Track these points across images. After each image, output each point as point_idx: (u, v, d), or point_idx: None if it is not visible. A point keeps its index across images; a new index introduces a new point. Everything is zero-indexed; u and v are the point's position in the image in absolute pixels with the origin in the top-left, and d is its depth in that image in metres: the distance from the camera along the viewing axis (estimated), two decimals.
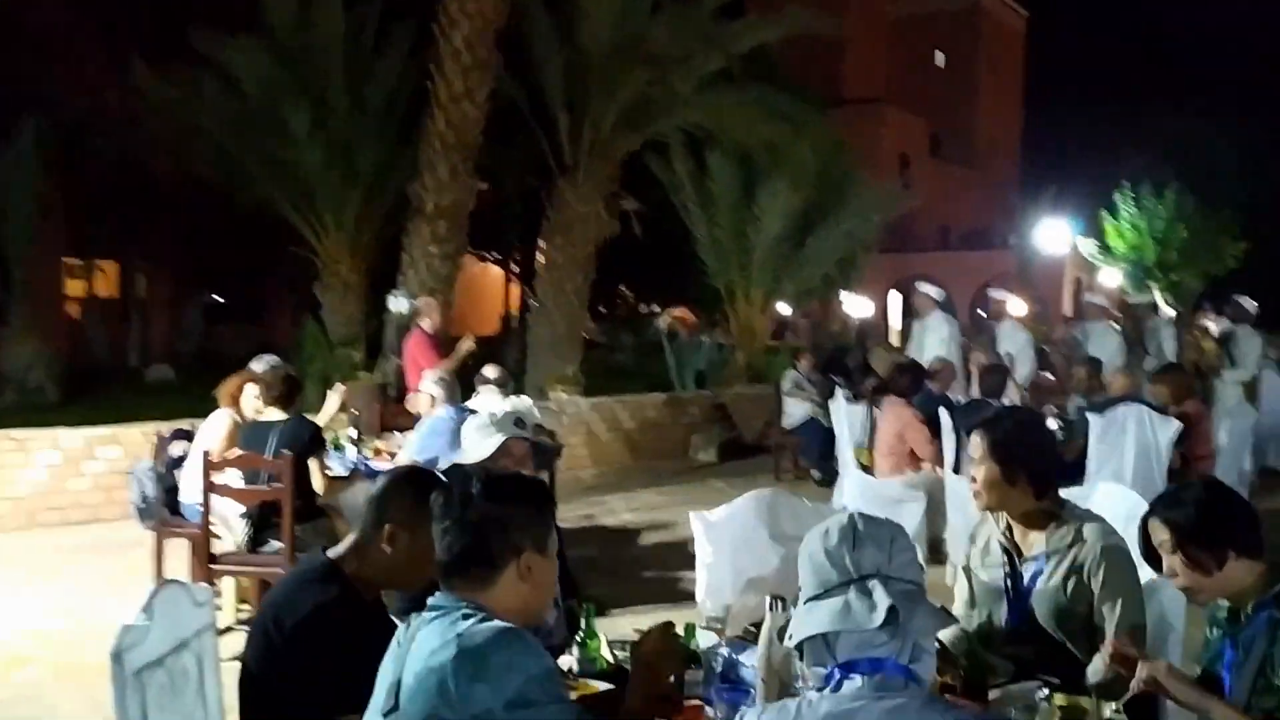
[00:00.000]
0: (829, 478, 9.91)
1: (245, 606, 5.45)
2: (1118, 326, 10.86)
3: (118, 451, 8.17)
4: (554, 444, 6.75)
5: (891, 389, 6.99)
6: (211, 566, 4.94)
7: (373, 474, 5.60)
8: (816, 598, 1.62)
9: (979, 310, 26.31)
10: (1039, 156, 48.58)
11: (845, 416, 6.99)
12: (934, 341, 9.37)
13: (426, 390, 5.68)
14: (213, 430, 5.61)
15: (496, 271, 25.51)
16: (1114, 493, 3.28)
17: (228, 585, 5.24)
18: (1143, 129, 35.40)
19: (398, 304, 10.20)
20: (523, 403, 6.45)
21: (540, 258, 14.79)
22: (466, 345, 8.48)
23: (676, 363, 13.42)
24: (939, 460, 6.87)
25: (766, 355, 14.24)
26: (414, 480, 2.41)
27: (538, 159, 14.01)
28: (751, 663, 2.38)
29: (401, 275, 12.20)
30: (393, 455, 6.03)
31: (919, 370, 7.21)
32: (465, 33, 11.76)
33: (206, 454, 4.93)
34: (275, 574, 4.92)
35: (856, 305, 19.35)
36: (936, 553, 6.79)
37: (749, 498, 3.48)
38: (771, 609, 2.28)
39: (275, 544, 4.98)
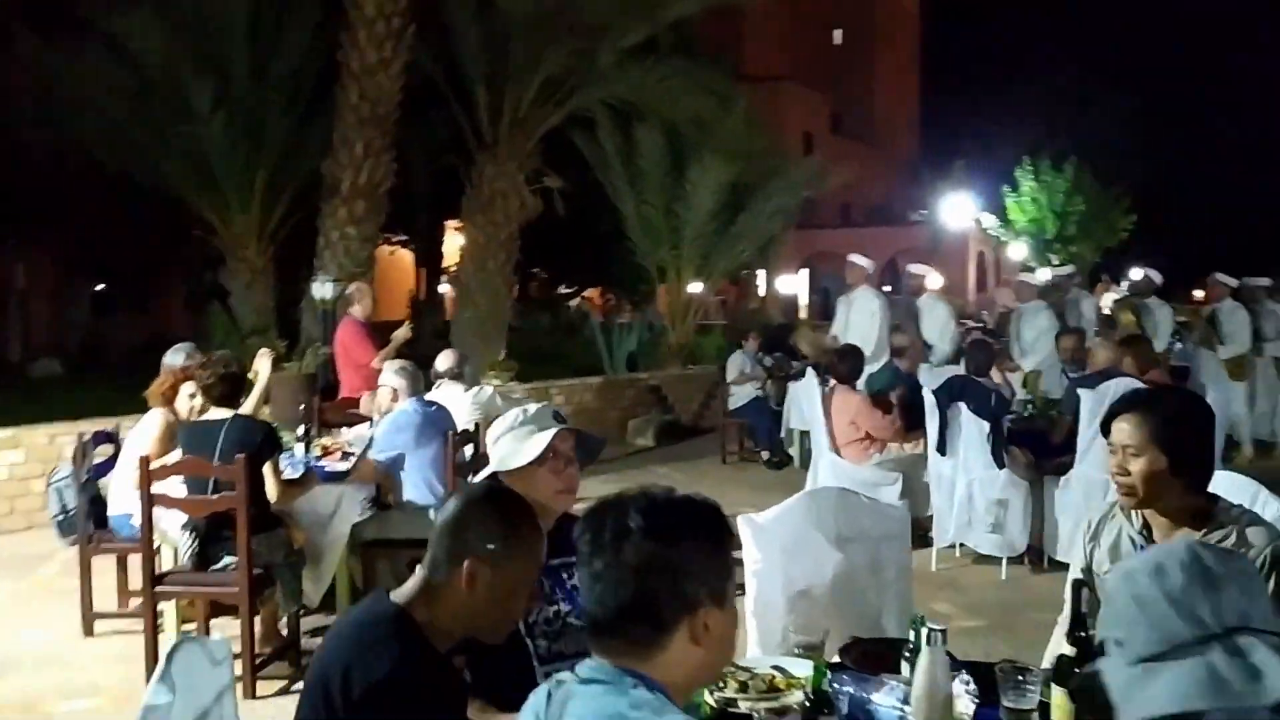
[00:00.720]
0: (779, 460, 9.69)
1: (190, 629, 4.90)
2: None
3: (19, 456, 7.42)
4: (599, 435, 6.27)
5: (833, 375, 6.71)
6: (157, 589, 4.37)
7: (328, 476, 5.09)
8: (1155, 658, 1.19)
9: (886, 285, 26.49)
10: (937, 133, 49.37)
11: (813, 397, 6.70)
12: (863, 316, 9.05)
13: (387, 382, 5.16)
14: (146, 433, 5.02)
15: (405, 255, 24.68)
16: (1233, 481, 3.00)
17: (168, 607, 4.68)
18: (1038, 105, 36.17)
19: (322, 289, 9.57)
20: (484, 393, 6.00)
21: (460, 238, 14.22)
22: (402, 333, 7.94)
23: (607, 345, 13.02)
24: (901, 437, 6.64)
25: (698, 336, 13.92)
26: (496, 501, 1.97)
27: (455, 135, 13.43)
28: (889, 703, 2.02)
29: (318, 259, 11.53)
30: (346, 454, 5.50)
31: (858, 354, 6.94)
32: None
33: (145, 460, 4.35)
34: (231, 594, 4.40)
35: (787, 283, 19.15)
36: (921, 537, 6.58)
37: (801, 497, 3.10)
38: (930, 642, 1.91)
39: (227, 559, 4.43)
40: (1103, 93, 35.57)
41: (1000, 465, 5.74)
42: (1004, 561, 5.90)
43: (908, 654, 2.18)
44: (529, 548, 1.96)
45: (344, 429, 6.30)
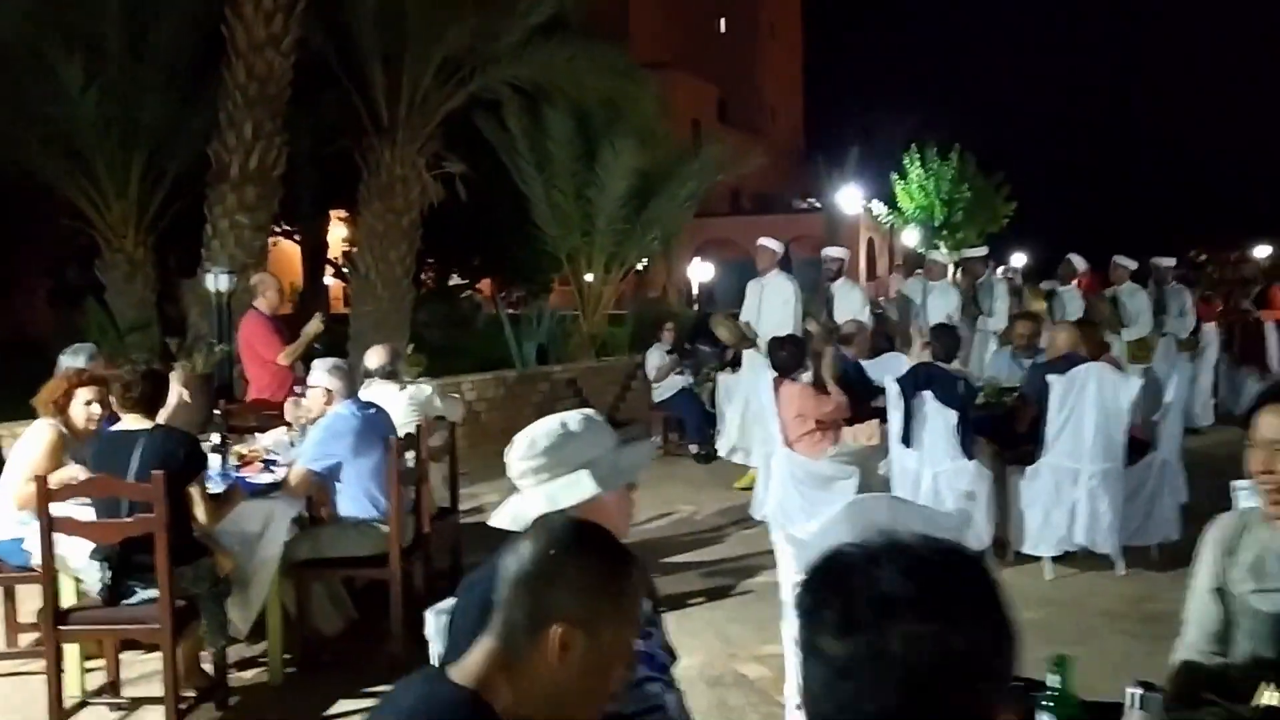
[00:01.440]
0: (708, 452, 9.35)
1: (95, 665, 4.29)
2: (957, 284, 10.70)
3: None
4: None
5: (774, 367, 6.39)
6: (61, 627, 3.75)
7: (254, 490, 4.52)
8: None
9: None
10: (822, 121, 49.99)
11: (764, 387, 6.36)
12: (776, 302, 8.69)
13: (319, 383, 4.61)
14: (33, 446, 4.36)
15: (288, 246, 23.58)
16: None
17: (69, 647, 4.06)
18: (922, 94, 36.84)
19: (215, 282, 8.81)
20: (422, 392, 5.49)
21: (344, 229, 13.51)
22: (313, 326, 7.37)
23: (516, 337, 12.48)
24: (848, 415, 6.37)
25: (611, 326, 13.50)
26: (591, 546, 1.51)
27: (348, 118, 12.68)
28: None
29: (206, 249, 10.71)
30: (268, 464, 4.93)
31: (798, 343, 6.63)
32: None
33: (42, 479, 3.73)
34: (150, 631, 3.82)
35: (698, 271, 18.84)
36: None
37: (846, 508, 2.74)
38: (1144, 707, 1.55)
39: (144, 593, 3.85)
40: (985, 82, 36.40)
41: (969, 456, 5.51)
42: None
43: (1048, 703, 1.83)
44: (633, 604, 1.52)
45: (257, 434, 5.70)
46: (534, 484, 2.12)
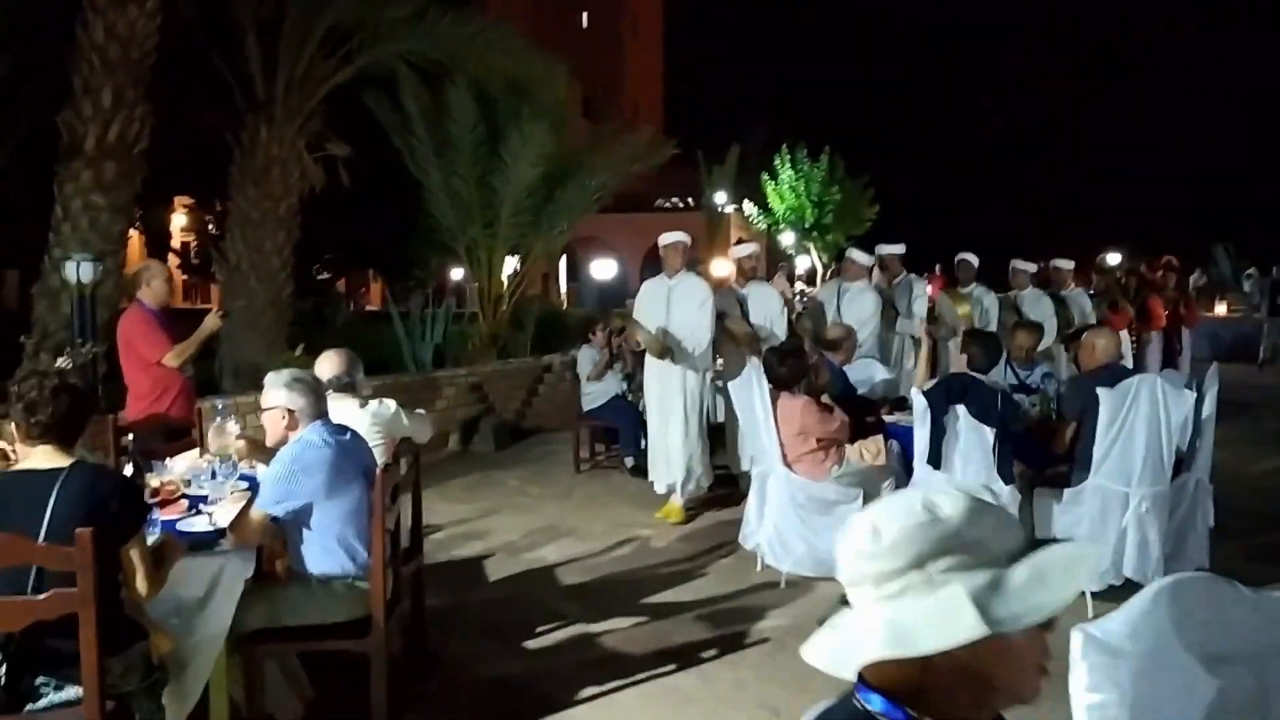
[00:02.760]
0: (643, 466, 8.53)
1: None
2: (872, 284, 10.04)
3: None
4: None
5: (772, 380, 5.64)
6: None
7: (192, 541, 3.47)
8: None
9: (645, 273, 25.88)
10: (684, 120, 49.72)
11: (760, 399, 5.59)
12: (690, 306, 7.84)
13: (277, 402, 3.58)
14: None
15: (134, 236, 21.54)
16: None
17: None
18: (789, 95, 36.97)
19: (77, 271, 7.49)
20: (386, 409, 4.51)
21: (188, 216, 12.12)
22: (211, 323, 6.24)
23: (409, 337, 11.37)
24: (848, 434, 5.68)
25: (513, 326, 12.50)
26: None
27: (217, 92, 11.32)
28: None
29: (54, 234, 9.26)
30: (195, 502, 3.86)
31: (800, 354, 5.88)
32: None
33: None
34: None
35: (597, 268, 17.88)
36: None
37: (1156, 594, 1.97)
38: None
39: (55, 695, 2.80)
40: (851, 84, 36.86)
41: (1009, 479, 4.89)
42: None
43: None
44: None
45: (167, 461, 4.59)
46: (876, 599, 1.30)
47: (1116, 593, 5.01)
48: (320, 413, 3.59)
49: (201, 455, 4.83)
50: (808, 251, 32.24)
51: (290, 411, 3.56)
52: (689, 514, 7.13)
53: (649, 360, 7.36)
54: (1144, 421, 4.80)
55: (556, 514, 7.35)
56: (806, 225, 31.59)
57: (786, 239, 30.81)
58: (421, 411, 4.86)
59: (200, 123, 12.37)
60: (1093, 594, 4.94)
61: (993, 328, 8.59)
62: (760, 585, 5.59)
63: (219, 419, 4.51)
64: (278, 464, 3.45)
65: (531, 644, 4.82)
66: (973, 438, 4.93)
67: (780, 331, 7.74)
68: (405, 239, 16.05)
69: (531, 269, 12.84)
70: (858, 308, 8.32)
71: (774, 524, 5.55)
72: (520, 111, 11.33)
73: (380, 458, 4.12)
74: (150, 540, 3.24)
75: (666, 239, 7.48)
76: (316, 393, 3.60)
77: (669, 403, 7.16)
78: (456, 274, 27.44)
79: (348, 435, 3.62)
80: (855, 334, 6.98)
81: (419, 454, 4.55)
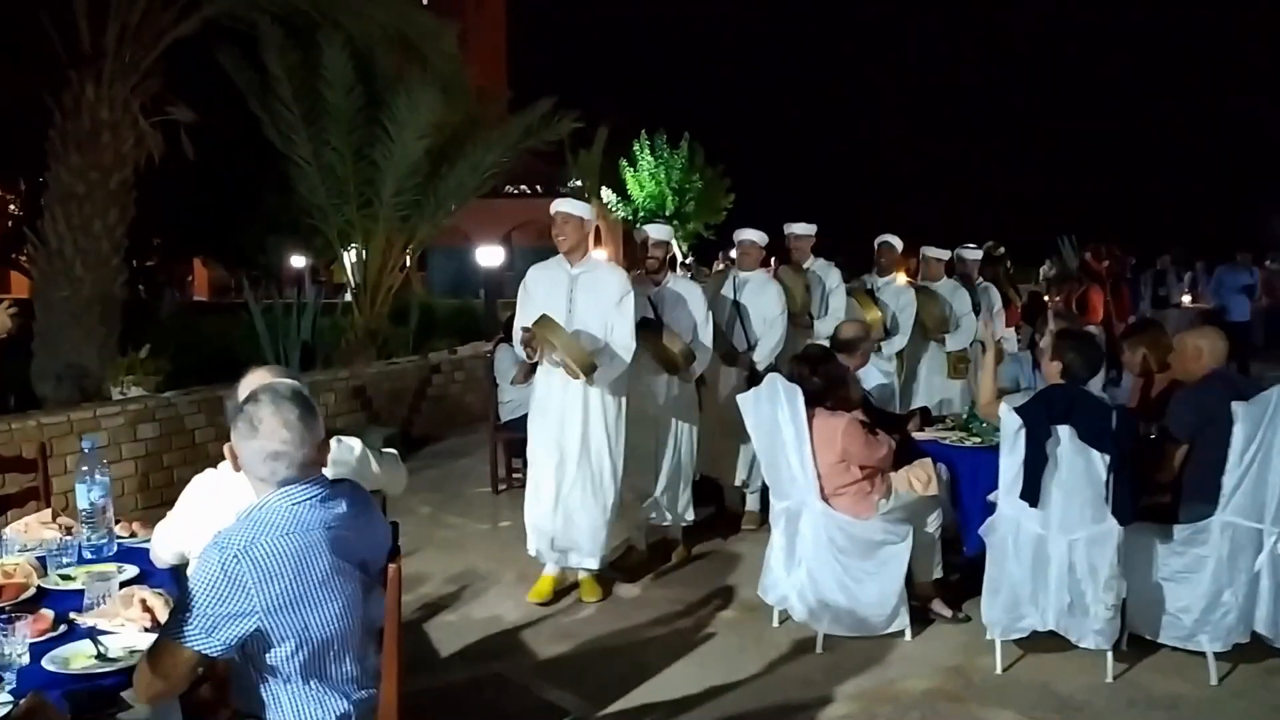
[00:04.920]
0: None
1: None
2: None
3: None
4: None
5: (806, 390, 4.52)
6: None
7: (71, 691, 2.10)
8: None
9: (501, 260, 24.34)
10: (528, 102, 48.21)
11: (790, 418, 4.47)
12: (603, 302, 6.12)
13: (252, 464, 2.25)
14: None
15: None
16: None
17: None
18: (642, 81, 36.10)
19: None
20: (349, 451, 3.19)
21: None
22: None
23: (271, 333, 9.76)
24: (888, 462, 4.62)
25: (396, 322, 10.98)
26: None
27: (35, 42, 9.39)
28: None
29: None
30: (62, 611, 2.47)
31: (831, 362, 4.74)
32: None
33: None
34: None
35: (486, 255, 16.31)
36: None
37: None
38: None
39: None
40: (706, 70, 36.34)
41: (1126, 518, 3.95)
42: (1109, 655, 4.13)
43: None
44: None
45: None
46: None
47: (1243, 651, 4.16)
48: (303, 462, 2.25)
49: (55, 519, 3.37)
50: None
51: (235, 457, 2.23)
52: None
53: (544, 377, 5.28)
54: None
55: (491, 552, 6.06)
56: (667, 214, 30.73)
57: (659, 231, 29.87)
58: (392, 451, 3.51)
59: (7, 79, 10.40)
60: (1216, 654, 4.07)
61: (907, 329, 7.55)
62: (792, 651, 4.48)
63: (85, 467, 3.10)
64: (205, 563, 2.11)
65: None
66: (1078, 466, 3.96)
67: (707, 341, 6.33)
68: (251, 221, 14.18)
69: (396, 256, 11.30)
70: (761, 304, 6.61)
71: (807, 572, 4.46)
72: (406, 74, 9.87)
73: None
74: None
75: (564, 207, 5.23)
76: (298, 428, 2.24)
77: (567, 442, 5.16)
78: (298, 262, 25.30)
79: (341, 506, 2.29)
80: (871, 334, 5.91)
81: (383, 504, 3.24)
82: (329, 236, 10.40)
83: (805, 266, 7.25)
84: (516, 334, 5.31)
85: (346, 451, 3.11)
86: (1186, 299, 16.63)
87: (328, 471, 2.60)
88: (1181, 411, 4.21)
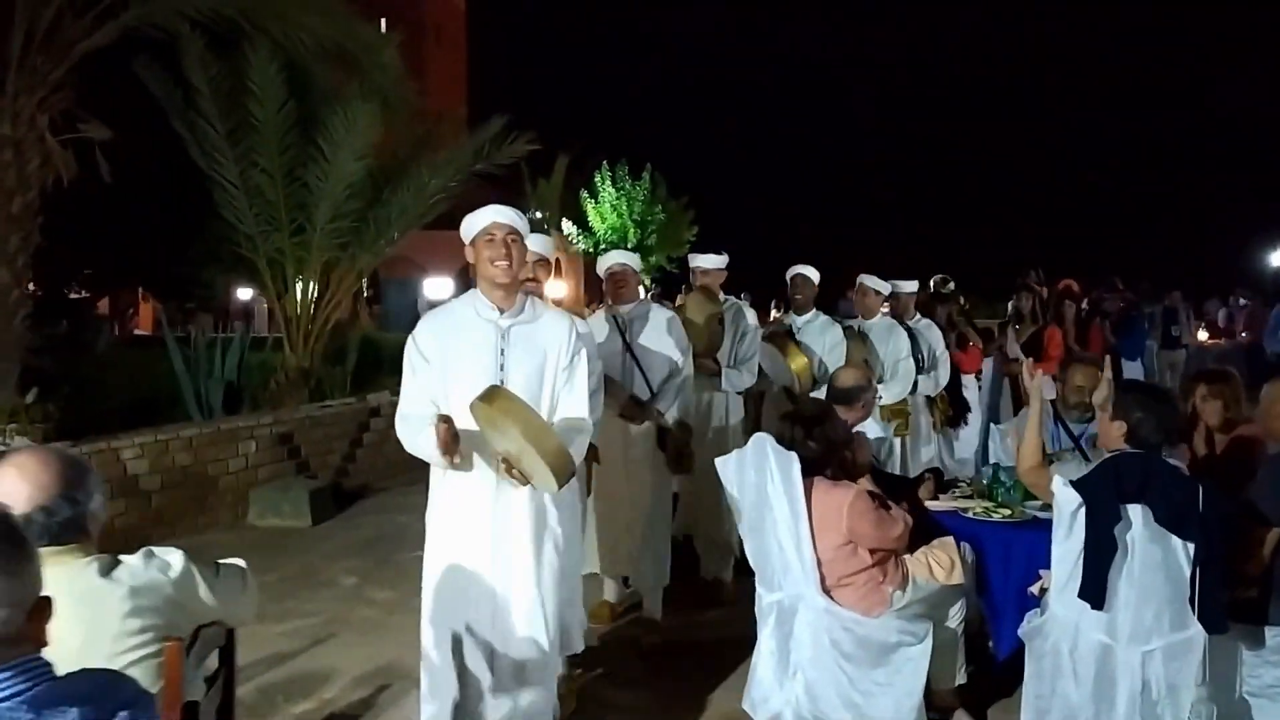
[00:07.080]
0: None
1: None
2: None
3: None
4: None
5: (802, 455, 3.62)
6: None
7: None
8: None
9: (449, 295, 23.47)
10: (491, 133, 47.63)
11: (784, 492, 3.58)
12: (545, 360, 5.02)
13: None
14: None
15: None
16: None
17: None
18: (604, 114, 35.52)
19: None
20: (160, 572, 2.22)
21: None
22: None
23: (189, 370, 8.78)
24: (904, 543, 3.73)
25: (327, 360, 9.99)
26: None
27: None
28: None
29: None
30: None
31: (833, 420, 3.83)
32: None
33: None
34: None
35: (433, 287, 15.34)
36: None
37: None
38: None
39: None
40: (668, 104, 35.93)
41: (1217, 626, 3.10)
42: None
43: None
44: None
45: None
46: None
47: None
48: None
49: None
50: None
51: None
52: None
53: (460, 480, 3.59)
54: None
55: (417, 640, 5.09)
56: (629, 245, 30.01)
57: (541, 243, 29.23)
58: (238, 563, 2.48)
59: None
60: None
61: (907, 377, 6.66)
62: None
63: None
64: None
65: None
66: (1154, 556, 3.11)
67: (679, 375, 5.42)
68: (185, 249, 13.16)
69: (341, 289, 10.32)
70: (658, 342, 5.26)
71: (804, 684, 3.57)
72: (343, 89, 8.98)
73: (148, 680, 1.89)
74: None
75: (502, 217, 3.53)
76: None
77: (511, 547, 3.51)
78: (244, 294, 24.18)
79: (69, 717, 1.36)
80: (874, 383, 5.06)
81: (234, 651, 2.31)
82: (258, 265, 9.41)
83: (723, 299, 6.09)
84: (410, 425, 3.57)
85: (155, 574, 2.13)
86: (1203, 335, 15.87)
87: (122, 603, 1.68)
88: (1273, 484, 3.39)
